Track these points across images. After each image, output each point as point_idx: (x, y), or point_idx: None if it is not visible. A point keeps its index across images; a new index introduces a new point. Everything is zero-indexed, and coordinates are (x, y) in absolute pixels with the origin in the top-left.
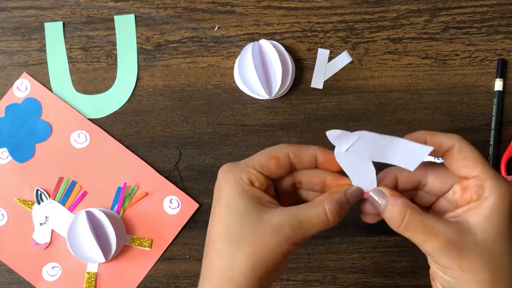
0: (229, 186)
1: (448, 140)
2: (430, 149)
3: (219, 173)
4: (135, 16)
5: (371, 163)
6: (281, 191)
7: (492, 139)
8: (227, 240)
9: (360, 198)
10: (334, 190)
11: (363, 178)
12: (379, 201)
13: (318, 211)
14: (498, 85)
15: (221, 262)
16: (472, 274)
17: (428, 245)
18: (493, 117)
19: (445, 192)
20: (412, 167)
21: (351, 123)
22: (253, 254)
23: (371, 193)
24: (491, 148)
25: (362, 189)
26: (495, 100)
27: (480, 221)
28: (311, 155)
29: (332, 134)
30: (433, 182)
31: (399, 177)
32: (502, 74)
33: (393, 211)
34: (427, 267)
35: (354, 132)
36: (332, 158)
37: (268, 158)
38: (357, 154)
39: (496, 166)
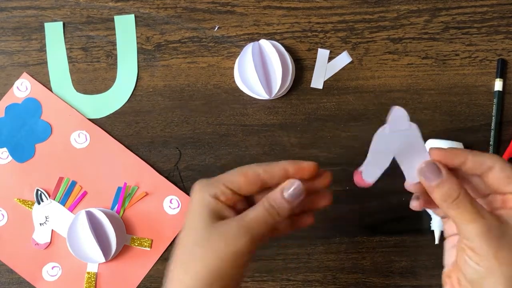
0: (195, 200)
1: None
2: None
3: (194, 185)
4: (135, 16)
5: (392, 157)
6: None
7: (492, 139)
8: (183, 249)
9: (299, 190)
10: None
11: (378, 166)
12: (434, 175)
13: (259, 210)
14: (498, 85)
15: (176, 268)
16: (504, 266)
17: (472, 225)
18: (493, 117)
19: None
20: (411, 180)
21: (351, 123)
22: (204, 262)
23: (424, 165)
24: (491, 148)
25: (299, 183)
26: (495, 100)
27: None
28: (281, 169)
29: (397, 112)
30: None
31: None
32: (502, 74)
33: (450, 187)
34: (427, 267)
35: (413, 124)
36: (302, 166)
37: (237, 175)
38: (391, 143)
39: None
